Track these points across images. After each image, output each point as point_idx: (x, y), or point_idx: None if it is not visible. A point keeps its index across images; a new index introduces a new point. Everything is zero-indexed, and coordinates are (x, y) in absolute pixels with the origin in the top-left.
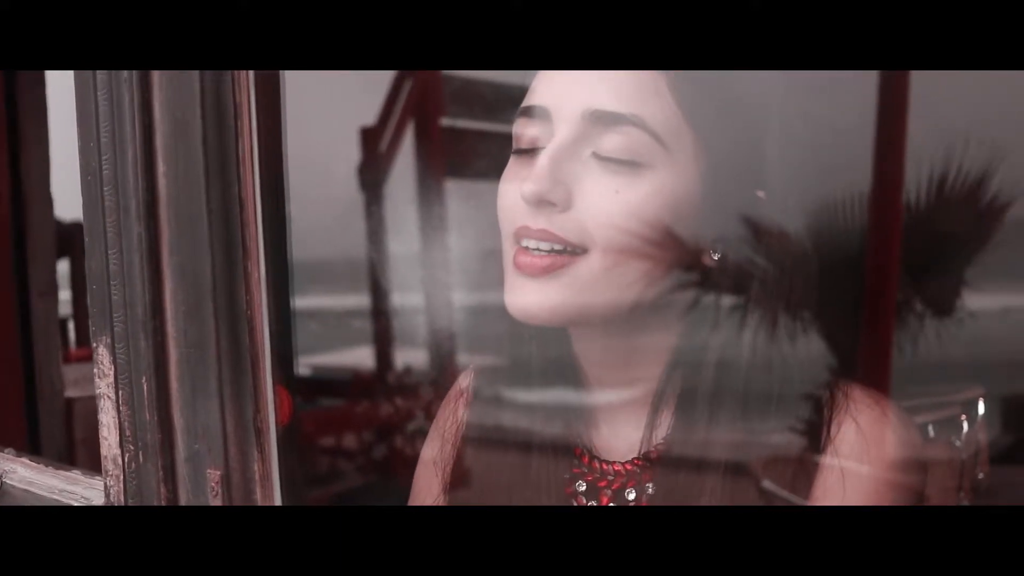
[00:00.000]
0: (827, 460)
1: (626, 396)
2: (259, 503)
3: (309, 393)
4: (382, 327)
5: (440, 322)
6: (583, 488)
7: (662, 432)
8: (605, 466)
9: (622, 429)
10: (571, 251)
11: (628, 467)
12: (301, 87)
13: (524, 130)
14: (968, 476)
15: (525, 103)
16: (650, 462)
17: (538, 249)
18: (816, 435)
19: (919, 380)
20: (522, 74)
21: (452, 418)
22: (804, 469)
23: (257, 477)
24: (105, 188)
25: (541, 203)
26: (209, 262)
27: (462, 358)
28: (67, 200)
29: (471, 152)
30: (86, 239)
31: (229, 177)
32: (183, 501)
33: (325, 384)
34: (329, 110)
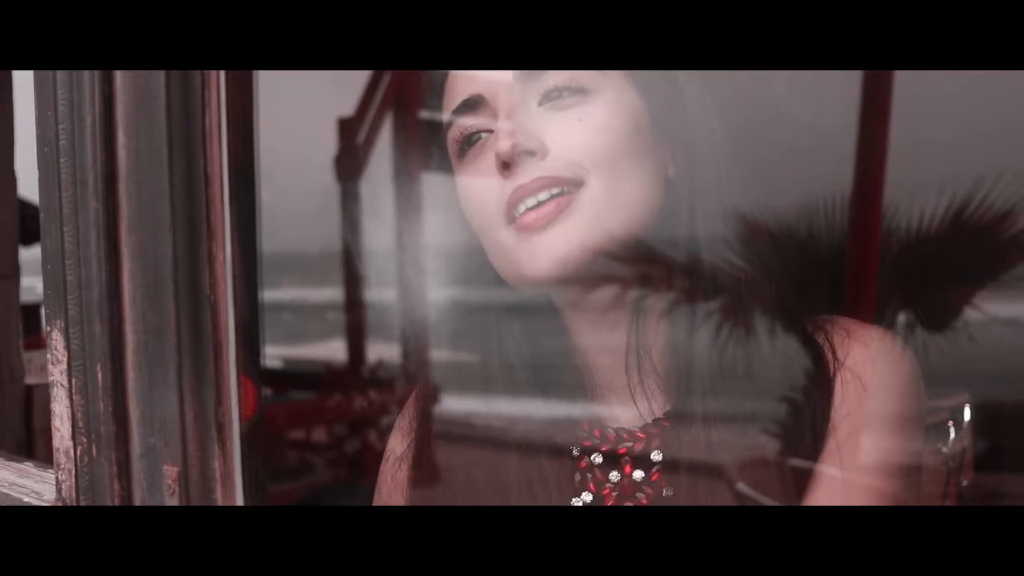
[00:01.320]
0: (841, 379)
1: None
2: (219, 503)
3: (280, 386)
4: (356, 319)
5: (417, 315)
6: (600, 460)
7: (666, 399)
8: (625, 434)
9: (628, 404)
10: (569, 189)
11: (646, 433)
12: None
13: (466, 125)
14: (953, 482)
15: (455, 105)
16: (669, 418)
17: (538, 202)
18: (823, 363)
19: None
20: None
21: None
22: (820, 399)
23: (217, 475)
24: (61, 160)
25: (522, 155)
26: (171, 242)
27: (445, 353)
28: None
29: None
30: (41, 215)
31: (194, 151)
32: (137, 499)
33: (297, 376)
34: (304, 98)
